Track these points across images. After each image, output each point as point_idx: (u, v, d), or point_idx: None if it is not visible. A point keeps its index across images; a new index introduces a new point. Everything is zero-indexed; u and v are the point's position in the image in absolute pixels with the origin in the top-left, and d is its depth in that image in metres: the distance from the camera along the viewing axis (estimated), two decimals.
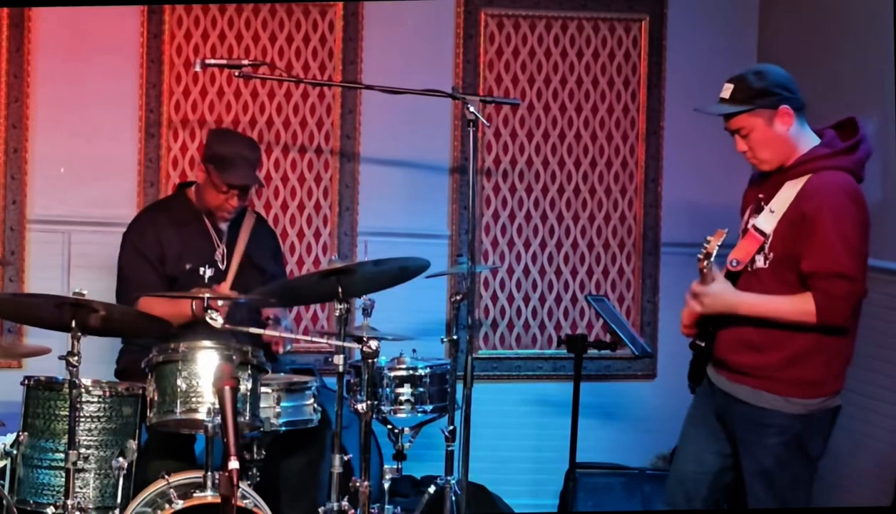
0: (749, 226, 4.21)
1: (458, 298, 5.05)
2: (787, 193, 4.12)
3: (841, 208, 4.05)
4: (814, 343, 4.10)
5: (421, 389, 5.00)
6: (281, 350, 5.06)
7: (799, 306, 4.05)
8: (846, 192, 4.09)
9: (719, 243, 4.07)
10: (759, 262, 4.16)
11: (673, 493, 4.43)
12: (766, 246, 4.13)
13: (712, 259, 4.09)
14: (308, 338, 5.60)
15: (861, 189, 4.15)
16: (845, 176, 4.12)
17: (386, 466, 5.00)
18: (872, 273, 5.33)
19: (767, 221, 4.14)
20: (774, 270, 4.13)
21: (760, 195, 4.22)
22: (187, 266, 5.02)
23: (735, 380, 4.22)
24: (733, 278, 4.19)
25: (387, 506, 4.92)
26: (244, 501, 4.32)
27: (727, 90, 4.18)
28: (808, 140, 4.18)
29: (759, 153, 4.16)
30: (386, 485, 4.93)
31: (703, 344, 4.28)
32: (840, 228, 4.03)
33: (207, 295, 4.47)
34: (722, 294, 4.12)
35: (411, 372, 5.01)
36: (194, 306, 4.76)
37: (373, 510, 4.77)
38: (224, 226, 5.15)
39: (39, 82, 5.84)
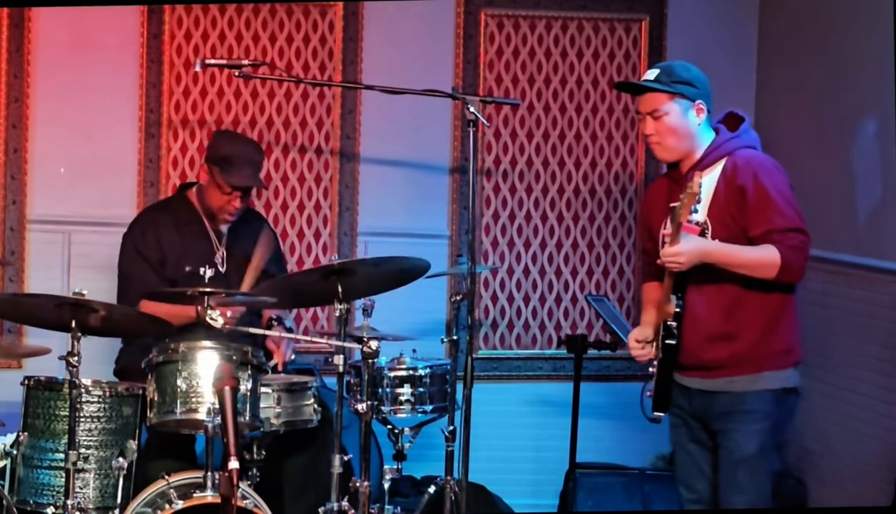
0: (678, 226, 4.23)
1: (458, 298, 5.05)
2: (707, 180, 4.21)
3: (772, 174, 4.23)
4: (778, 310, 4.24)
5: (421, 389, 5.01)
6: (286, 358, 5.04)
7: (764, 253, 4.15)
8: (769, 161, 4.28)
9: (700, 183, 4.10)
10: (705, 238, 4.23)
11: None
12: (708, 234, 4.22)
13: (706, 211, 4.17)
14: (308, 338, 5.60)
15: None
16: (756, 151, 4.31)
17: (386, 466, 5.00)
18: (872, 273, 5.35)
19: (697, 212, 4.21)
20: None
21: (673, 204, 4.26)
22: (187, 269, 5.02)
23: (712, 376, 4.28)
24: (683, 276, 4.23)
25: (387, 506, 4.92)
26: (244, 501, 4.31)
27: (653, 73, 4.32)
28: (708, 136, 4.32)
29: (667, 139, 4.31)
30: (386, 485, 4.93)
31: (674, 342, 4.27)
32: (779, 190, 4.20)
33: (210, 296, 4.46)
34: (693, 244, 4.16)
35: (411, 372, 5.01)
36: (199, 310, 4.74)
37: (373, 510, 4.77)
38: (224, 228, 5.15)
39: (39, 82, 5.85)
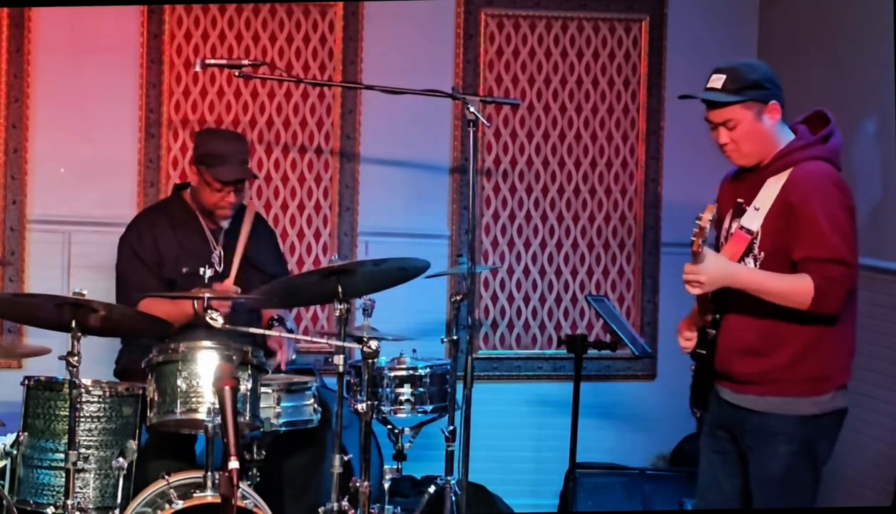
0: (733, 228, 4.17)
1: (458, 298, 5.05)
2: (771, 189, 4.08)
3: (827, 195, 4.02)
4: (815, 338, 4.06)
5: (421, 389, 5.00)
6: (288, 357, 5.04)
7: (796, 283, 3.99)
8: (830, 179, 4.06)
9: (710, 218, 3.97)
10: (750, 264, 4.10)
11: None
12: (756, 245, 4.09)
13: (706, 235, 3.99)
14: (308, 338, 5.60)
15: (843, 179, 4.12)
16: (825, 165, 4.09)
17: (386, 466, 5.00)
18: (872, 273, 5.35)
19: (753, 219, 4.10)
20: (766, 269, 4.07)
21: (739, 199, 4.17)
22: (184, 269, 5.02)
23: (741, 390, 4.15)
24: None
25: (387, 506, 4.92)
26: (244, 501, 4.31)
27: (718, 80, 4.11)
28: (785, 136, 4.15)
29: (744, 146, 4.11)
30: (386, 485, 4.93)
31: (704, 352, 4.20)
32: (829, 213, 4.00)
33: (208, 295, 4.47)
34: (718, 267, 4.03)
35: (411, 372, 5.01)
36: (196, 306, 4.75)
37: (373, 510, 4.77)
38: (225, 224, 5.14)
39: (39, 82, 5.85)
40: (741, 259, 4.12)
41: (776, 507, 4.14)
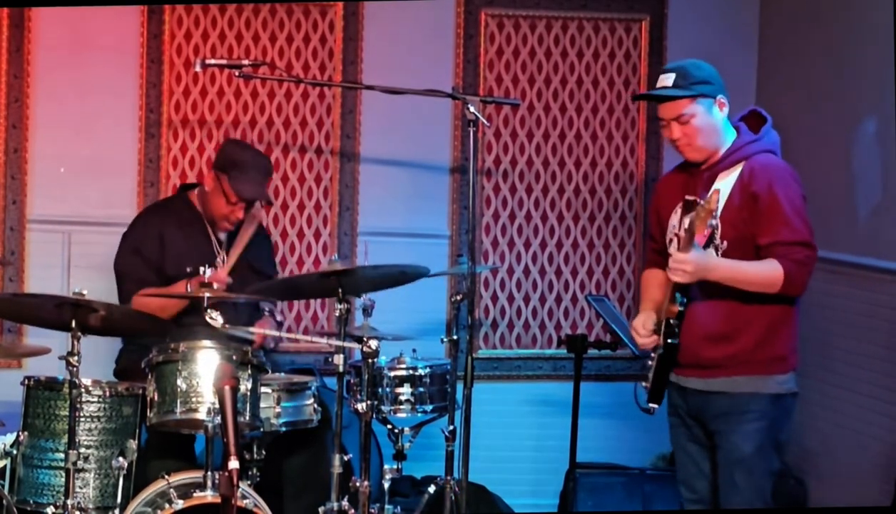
0: (685, 223, 4.26)
1: (458, 298, 5.04)
2: (725, 182, 4.25)
3: (787, 184, 4.24)
4: (777, 319, 4.25)
5: (421, 389, 5.01)
6: (265, 341, 5.01)
7: (766, 269, 4.17)
8: (786, 171, 4.29)
9: (717, 201, 4.13)
10: (712, 253, 4.23)
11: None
12: (717, 236, 4.23)
13: (719, 214, 4.17)
14: (308, 338, 5.60)
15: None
16: (775, 157, 4.33)
17: (386, 466, 5.00)
18: (872, 273, 5.35)
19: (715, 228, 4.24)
20: (729, 257, 4.23)
21: (688, 196, 4.31)
22: (188, 269, 5.01)
23: (709, 375, 4.28)
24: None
25: (387, 506, 4.92)
26: (244, 501, 4.31)
27: (668, 78, 4.31)
28: (730, 133, 4.34)
29: (695, 140, 4.29)
30: (386, 485, 4.93)
31: (676, 342, 4.26)
32: (791, 201, 4.21)
33: (206, 294, 4.46)
34: (703, 260, 4.17)
35: (411, 372, 5.01)
36: (189, 288, 4.71)
37: (373, 510, 4.77)
38: (223, 235, 5.15)
39: (39, 82, 5.85)
40: (704, 249, 4.25)
41: (751, 490, 4.25)
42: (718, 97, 4.29)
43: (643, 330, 4.36)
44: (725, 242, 4.23)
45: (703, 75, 4.29)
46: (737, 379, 4.25)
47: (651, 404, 4.38)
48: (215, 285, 4.55)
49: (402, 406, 4.99)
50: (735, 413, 4.25)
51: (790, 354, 4.30)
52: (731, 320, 4.25)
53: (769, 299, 4.21)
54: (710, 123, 4.28)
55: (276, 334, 5.02)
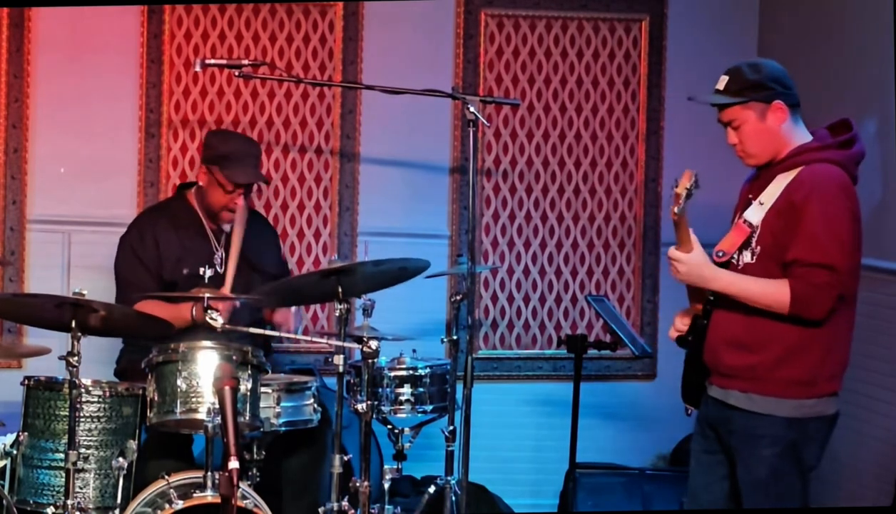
0: (738, 219, 4.17)
1: (458, 298, 5.05)
2: (777, 185, 4.06)
3: (831, 199, 3.97)
4: (805, 340, 4.02)
5: (421, 389, 5.00)
6: (292, 328, 5.01)
7: (772, 290, 3.98)
8: (837, 183, 4.01)
9: (688, 186, 3.93)
10: (747, 257, 4.10)
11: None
12: (754, 239, 4.07)
13: (682, 202, 3.95)
14: (308, 338, 5.60)
15: (853, 186, 4.07)
16: (837, 169, 4.05)
17: (386, 466, 5.00)
18: (872, 273, 5.34)
19: (756, 212, 4.09)
20: (761, 264, 4.06)
21: (750, 194, 4.18)
22: (185, 271, 5.02)
23: (726, 385, 4.14)
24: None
25: (387, 506, 4.92)
26: (244, 501, 4.31)
27: (722, 81, 4.11)
28: (800, 137, 4.11)
29: (748, 147, 4.10)
30: (386, 485, 4.93)
31: (690, 337, 4.19)
32: (828, 218, 3.95)
33: (207, 295, 4.46)
34: (698, 265, 4.03)
35: (411, 372, 5.01)
36: (194, 312, 4.76)
37: (373, 510, 4.77)
38: (227, 227, 5.14)
39: (39, 82, 5.85)
40: (739, 251, 4.12)
41: (766, 509, 4.12)
42: (774, 103, 4.05)
43: (679, 322, 4.25)
44: (760, 248, 4.06)
45: (758, 79, 4.06)
46: (753, 397, 4.06)
47: (686, 405, 4.29)
48: (220, 317, 4.46)
49: (402, 406, 4.99)
50: (751, 436, 4.08)
51: (822, 381, 4.05)
52: (752, 330, 4.05)
53: (796, 319, 3.98)
54: (762, 129, 4.06)
55: (276, 334, 5.02)
